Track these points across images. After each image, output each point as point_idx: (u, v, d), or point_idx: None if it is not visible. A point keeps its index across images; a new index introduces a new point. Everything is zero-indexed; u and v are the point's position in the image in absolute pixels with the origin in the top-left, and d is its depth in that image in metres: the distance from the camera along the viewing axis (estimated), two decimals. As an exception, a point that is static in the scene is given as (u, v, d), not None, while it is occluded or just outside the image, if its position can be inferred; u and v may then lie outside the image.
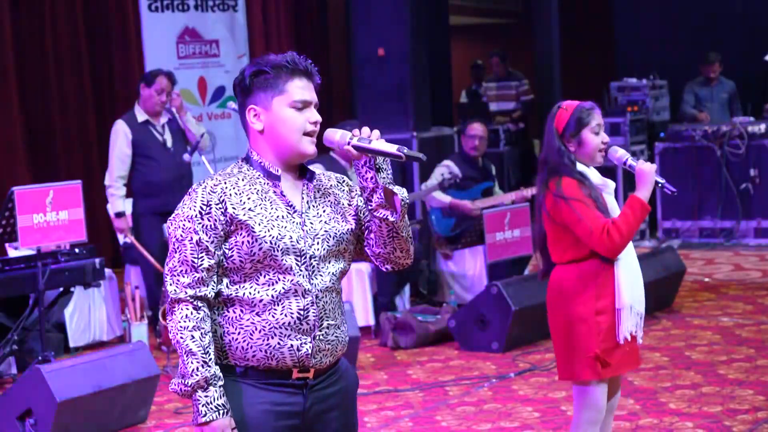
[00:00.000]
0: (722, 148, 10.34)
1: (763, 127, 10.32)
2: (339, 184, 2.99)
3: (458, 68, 14.86)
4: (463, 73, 15.29)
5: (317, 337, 2.83)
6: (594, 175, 4.05)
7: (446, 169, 8.24)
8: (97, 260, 6.72)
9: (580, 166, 4.02)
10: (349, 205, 2.96)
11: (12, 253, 7.05)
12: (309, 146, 2.88)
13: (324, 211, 2.90)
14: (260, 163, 2.87)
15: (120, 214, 7.40)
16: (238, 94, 2.91)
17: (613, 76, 12.05)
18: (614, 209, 4.04)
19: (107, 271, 7.36)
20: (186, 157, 7.43)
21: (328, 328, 2.86)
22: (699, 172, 10.50)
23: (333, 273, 2.89)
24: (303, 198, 2.88)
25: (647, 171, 3.95)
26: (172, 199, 7.27)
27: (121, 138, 7.42)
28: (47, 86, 9.89)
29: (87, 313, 7.50)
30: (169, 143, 7.50)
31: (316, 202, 2.90)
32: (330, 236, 2.88)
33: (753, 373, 6.13)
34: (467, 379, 6.41)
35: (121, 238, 7.98)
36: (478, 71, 14.46)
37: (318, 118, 2.88)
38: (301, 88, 2.85)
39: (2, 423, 5.39)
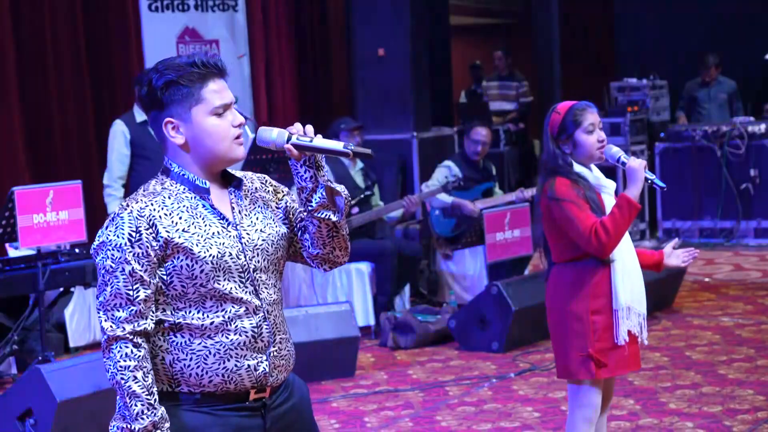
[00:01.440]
0: (722, 148, 10.34)
1: (763, 127, 10.32)
2: (263, 186, 2.82)
3: (458, 68, 14.86)
4: (463, 73, 15.29)
5: (272, 354, 2.69)
6: (593, 176, 4.04)
7: (447, 170, 8.24)
8: (97, 260, 6.71)
9: (578, 167, 4.00)
10: (278, 207, 2.81)
11: (12, 253, 7.05)
12: (239, 151, 2.69)
13: (257, 219, 2.74)
14: (183, 175, 2.67)
15: None
16: (147, 107, 2.71)
17: (613, 76, 12.05)
18: None
19: (107, 271, 7.35)
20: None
21: (281, 342, 2.73)
22: (699, 172, 10.50)
23: (275, 284, 2.74)
24: (234, 208, 2.71)
25: (636, 167, 3.94)
26: None
27: (119, 138, 7.42)
28: (47, 86, 9.88)
29: (87, 313, 7.50)
30: None
31: (247, 210, 2.73)
32: (268, 245, 2.72)
33: (753, 373, 6.13)
34: (467, 379, 6.41)
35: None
36: (478, 71, 14.47)
37: (240, 119, 2.69)
38: (218, 92, 2.66)
39: (2, 423, 5.38)
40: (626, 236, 4.05)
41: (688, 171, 10.54)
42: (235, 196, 2.73)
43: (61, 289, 6.71)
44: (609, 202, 4.03)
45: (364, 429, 5.56)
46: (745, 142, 10.25)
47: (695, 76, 11.51)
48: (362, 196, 7.76)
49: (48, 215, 6.45)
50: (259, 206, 2.77)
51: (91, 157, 10.09)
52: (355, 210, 7.71)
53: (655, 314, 7.54)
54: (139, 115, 7.49)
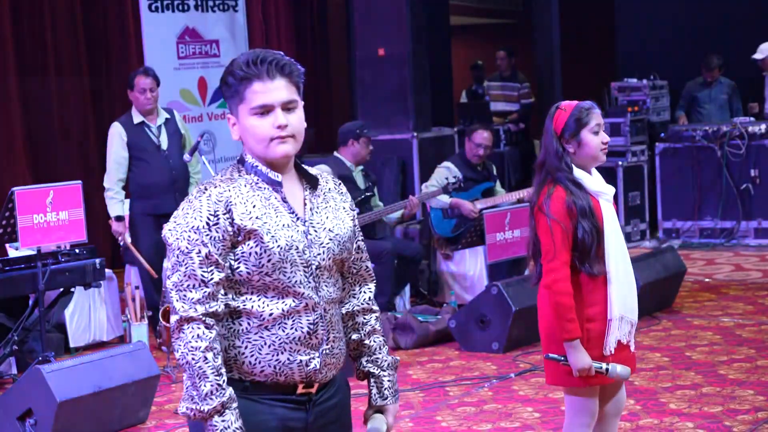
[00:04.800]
0: (722, 148, 10.34)
1: (763, 127, 10.32)
2: (337, 187, 2.88)
3: (458, 68, 14.85)
4: (463, 73, 15.29)
5: (324, 352, 2.73)
6: (593, 181, 3.96)
7: (447, 171, 8.24)
8: (97, 260, 6.72)
9: (577, 172, 3.93)
10: (344, 210, 2.87)
11: (12, 253, 7.05)
12: (278, 149, 2.69)
13: (327, 218, 2.78)
14: (256, 167, 2.73)
15: (119, 218, 7.38)
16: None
17: (613, 76, 12.04)
18: (610, 219, 3.95)
19: (107, 271, 7.36)
20: (186, 157, 7.42)
21: (333, 341, 2.76)
22: (699, 173, 10.50)
23: (336, 282, 2.80)
24: (306, 204, 2.76)
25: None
26: (166, 202, 7.27)
27: (117, 141, 7.41)
28: (47, 86, 9.89)
29: (87, 314, 7.50)
30: (164, 145, 7.47)
31: (318, 208, 2.78)
32: (335, 244, 2.77)
33: (753, 373, 6.13)
34: (467, 379, 6.41)
35: (119, 240, 7.98)
36: (478, 71, 14.46)
37: (282, 121, 2.68)
38: (261, 92, 2.68)
39: (2, 423, 5.39)
40: (621, 244, 3.98)
41: (688, 171, 10.54)
42: (309, 193, 2.78)
43: (61, 289, 6.71)
44: (606, 208, 3.95)
45: (364, 429, 5.55)
46: (745, 142, 10.25)
47: (695, 76, 11.50)
48: (362, 197, 7.76)
49: (48, 215, 6.45)
50: (330, 206, 2.81)
51: (90, 158, 10.11)
52: (356, 211, 7.70)
53: (656, 314, 7.54)
54: (137, 117, 7.48)
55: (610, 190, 4.02)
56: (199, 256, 2.63)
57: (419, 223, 8.79)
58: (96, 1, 10.29)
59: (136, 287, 7.47)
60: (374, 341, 2.93)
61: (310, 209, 2.76)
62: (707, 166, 10.45)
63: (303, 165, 2.81)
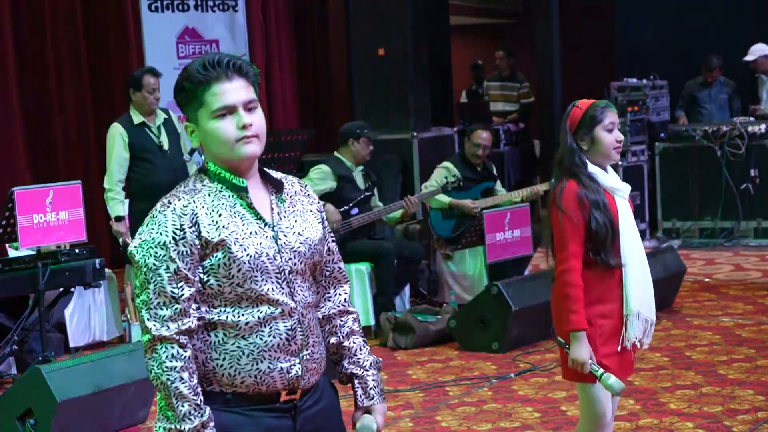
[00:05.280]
0: (722, 148, 10.34)
1: (763, 127, 10.32)
2: (303, 190, 2.81)
3: (458, 68, 14.85)
4: (463, 73, 15.28)
5: (305, 357, 2.67)
6: (608, 178, 3.99)
7: (446, 171, 8.24)
8: (97, 260, 6.72)
9: (592, 167, 3.97)
10: (319, 211, 2.81)
11: (12, 253, 7.05)
12: (245, 150, 2.63)
13: (295, 221, 2.71)
14: (219, 174, 2.66)
15: (119, 218, 7.38)
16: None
17: (613, 76, 12.04)
18: (626, 215, 3.98)
19: (107, 271, 7.36)
20: (186, 157, 7.42)
21: (313, 346, 2.70)
22: (699, 173, 10.50)
23: (310, 287, 2.74)
24: (273, 209, 2.69)
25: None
26: None
27: (118, 141, 7.40)
28: (47, 86, 9.89)
29: (87, 314, 7.50)
30: (166, 145, 7.48)
31: (286, 212, 2.71)
32: (305, 247, 2.70)
33: (753, 373, 6.13)
34: (467, 379, 6.41)
35: (121, 240, 7.98)
36: (479, 71, 14.46)
37: (246, 120, 2.62)
38: (221, 94, 2.61)
39: (2, 423, 5.39)
40: (637, 240, 4.01)
41: (688, 171, 10.54)
42: (275, 197, 2.72)
43: (61, 289, 6.71)
44: (622, 205, 3.99)
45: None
46: (745, 142, 10.25)
47: (695, 76, 11.50)
48: (362, 196, 7.76)
49: (48, 215, 6.45)
50: (298, 210, 2.75)
51: (90, 158, 10.11)
52: (355, 211, 7.70)
53: (656, 314, 7.53)
54: (136, 117, 7.48)
55: (626, 187, 4.06)
56: (167, 273, 2.56)
57: (419, 223, 8.78)
58: (96, 1, 10.29)
59: (136, 287, 7.46)
60: (354, 342, 2.87)
61: (278, 213, 2.70)
62: (707, 166, 10.45)
63: (265, 169, 2.74)
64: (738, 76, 11.44)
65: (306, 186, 2.84)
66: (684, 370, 6.28)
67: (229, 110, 2.62)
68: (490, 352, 6.90)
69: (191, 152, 7.41)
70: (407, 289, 8.12)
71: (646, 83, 11.39)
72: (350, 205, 7.67)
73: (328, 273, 2.86)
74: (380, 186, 8.45)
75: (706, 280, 8.88)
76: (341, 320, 2.87)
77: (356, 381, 2.84)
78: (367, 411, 2.84)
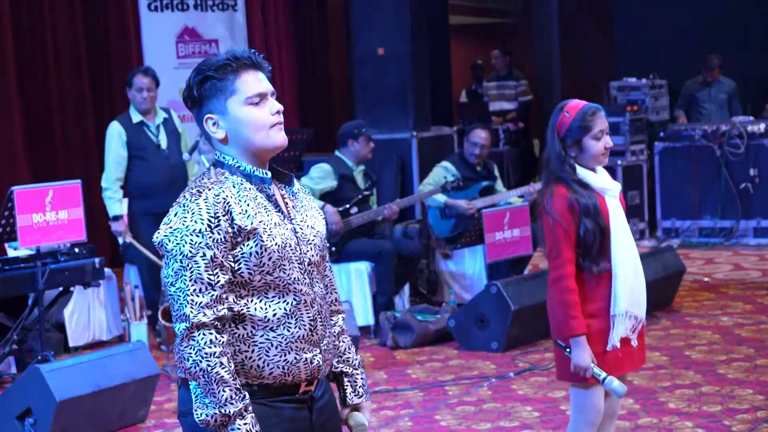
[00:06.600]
0: (722, 147, 10.34)
1: (762, 126, 10.32)
2: (302, 188, 2.88)
3: (458, 68, 14.86)
4: (463, 73, 15.29)
5: (323, 348, 2.75)
6: (598, 179, 3.96)
7: (445, 170, 8.24)
8: (96, 260, 6.72)
9: (581, 171, 3.93)
10: (315, 209, 2.87)
11: (11, 252, 7.05)
12: (278, 136, 2.72)
13: (306, 215, 2.79)
14: (239, 167, 2.71)
15: (117, 217, 7.38)
16: (190, 107, 2.75)
17: (613, 75, 12.05)
18: (617, 215, 3.96)
19: (107, 270, 7.36)
20: (186, 156, 7.42)
21: (328, 336, 2.79)
22: (699, 172, 10.50)
23: (322, 279, 2.81)
24: (287, 203, 2.77)
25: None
26: (168, 201, 7.26)
27: (115, 140, 7.41)
28: (47, 86, 9.89)
29: (87, 313, 7.50)
30: (164, 144, 7.48)
31: (296, 207, 2.79)
32: (318, 240, 2.79)
33: (752, 372, 6.13)
34: (467, 378, 6.41)
35: (120, 240, 7.98)
36: (478, 71, 14.47)
37: (279, 106, 2.72)
38: (252, 82, 2.69)
39: (2, 422, 5.39)
40: (629, 240, 4.00)
41: (688, 171, 10.54)
42: (287, 192, 2.79)
43: (61, 288, 6.71)
44: (613, 205, 3.96)
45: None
46: (745, 141, 10.25)
47: (695, 75, 11.51)
48: (361, 196, 7.76)
49: (47, 215, 6.45)
50: (305, 205, 2.82)
51: (90, 157, 10.11)
52: (354, 210, 7.71)
53: (655, 314, 7.54)
54: (135, 116, 7.48)
55: (616, 186, 4.02)
56: (204, 260, 2.60)
57: (418, 223, 8.78)
58: (96, 1, 10.29)
59: (136, 286, 7.47)
60: (343, 342, 2.94)
61: (292, 207, 2.77)
62: (706, 165, 10.45)
63: (273, 165, 2.80)
64: (739, 76, 11.44)
65: (305, 185, 2.89)
66: (683, 369, 6.28)
67: (261, 97, 2.69)
68: (489, 352, 6.91)
69: (191, 151, 7.40)
70: (406, 288, 8.12)
71: (645, 83, 11.40)
72: (349, 204, 7.68)
73: (323, 272, 2.89)
74: (379, 186, 8.45)
75: (706, 279, 8.88)
76: (332, 319, 2.91)
77: (345, 379, 2.92)
78: (356, 408, 2.91)
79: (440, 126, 11.01)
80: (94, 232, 8.70)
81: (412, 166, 9.92)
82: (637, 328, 3.98)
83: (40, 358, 6.18)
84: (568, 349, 3.88)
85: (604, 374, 3.83)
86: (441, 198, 8.17)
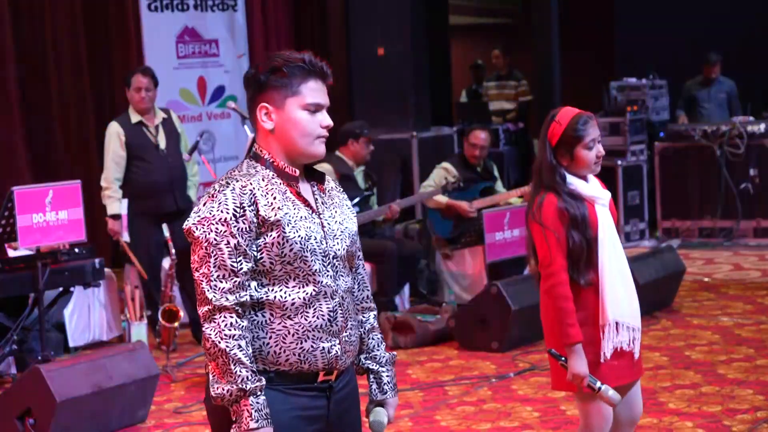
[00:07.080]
0: (722, 147, 10.34)
1: (762, 126, 10.32)
2: (337, 186, 3.00)
3: (458, 68, 14.85)
4: (463, 73, 15.29)
5: (343, 339, 2.84)
6: (588, 187, 3.93)
7: (445, 171, 8.24)
8: (96, 260, 6.72)
9: (572, 180, 3.90)
10: (347, 207, 2.99)
11: (12, 253, 7.05)
12: (320, 148, 2.85)
13: (336, 212, 2.91)
14: (272, 162, 2.83)
15: (115, 217, 7.38)
16: (249, 88, 2.85)
17: (613, 75, 12.05)
18: (606, 224, 3.91)
19: (107, 270, 7.36)
20: (186, 156, 7.43)
21: (351, 328, 2.88)
22: (698, 172, 10.50)
23: (349, 273, 2.91)
24: (316, 199, 2.88)
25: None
26: (165, 201, 7.29)
27: (114, 140, 7.41)
28: (47, 86, 9.89)
29: (87, 313, 7.50)
30: (162, 145, 7.47)
31: (326, 203, 2.90)
32: (346, 236, 2.90)
33: (752, 372, 6.13)
34: (467, 378, 6.41)
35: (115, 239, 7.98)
36: (479, 71, 14.46)
37: (330, 122, 2.85)
38: (316, 90, 2.82)
39: (2, 423, 5.39)
40: (618, 250, 3.94)
41: (688, 171, 10.54)
42: (317, 189, 2.90)
43: (61, 289, 6.71)
44: (602, 213, 3.92)
45: (364, 428, 5.55)
46: (745, 141, 10.25)
47: (695, 75, 11.50)
48: (361, 196, 7.76)
49: (47, 215, 6.45)
50: (336, 203, 2.94)
51: (90, 157, 10.11)
52: (355, 210, 7.71)
53: (655, 314, 7.54)
54: (134, 116, 7.48)
55: (606, 195, 3.98)
56: (228, 247, 2.72)
57: (418, 223, 8.79)
58: (96, 1, 10.29)
59: (136, 287, 7.47)
60: (373, 338, 3.04)
61: (322, 203, 2.88)
62: (706, 165, 10.45)
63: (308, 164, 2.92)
64: (738, 76, 11.44)
65: (338, 184, 3.03)
66: (683, 369, 6.28)
67: (318, 107, 2.83)
68: (489, 352, 6.91)
69: (191, 151, 7.41)
70: (407, 288, 8.12)
71: (645, 83, 11.40)
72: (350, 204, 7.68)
73: (354, 268, 3.00)
74: (380, 186, 8.45)
75: (706, 279, 8.88)
76: (364, 316, 3.03)
77: (372, 376, 3.04)
78: (380, 404, 3.04)
79: (440, 126, 11.02)
80: (94, 233, 8.70)
81: (413, 166, 9.93)
82: (637, 338, 3.95)
83: (40, 358, 6.19)
84: (563, 359, 3.86)
85: (599, 384, 3.82)
86: (443, 199, 8.17)
